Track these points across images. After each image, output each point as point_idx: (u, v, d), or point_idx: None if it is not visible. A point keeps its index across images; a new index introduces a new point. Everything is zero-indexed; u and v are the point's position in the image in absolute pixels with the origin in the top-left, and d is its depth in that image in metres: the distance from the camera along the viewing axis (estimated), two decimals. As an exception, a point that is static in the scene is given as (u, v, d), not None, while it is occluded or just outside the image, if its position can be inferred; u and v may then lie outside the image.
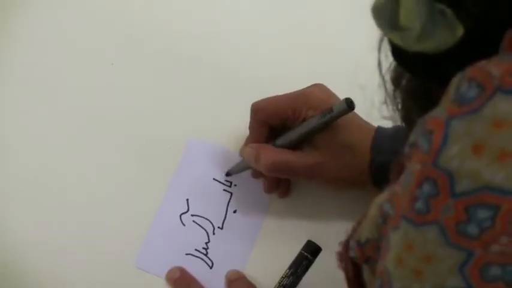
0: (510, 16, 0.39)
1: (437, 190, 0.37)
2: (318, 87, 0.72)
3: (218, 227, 0.75)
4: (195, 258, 0.74)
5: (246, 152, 0.73)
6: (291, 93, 0.72)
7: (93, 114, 0.78)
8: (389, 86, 0.49)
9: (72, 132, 0.78)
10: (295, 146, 0.72)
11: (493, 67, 0.37)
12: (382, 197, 0.44)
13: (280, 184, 0.75)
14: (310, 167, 0.71)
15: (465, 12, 0.40)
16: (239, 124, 0.75)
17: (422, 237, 0.38)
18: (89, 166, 0.77)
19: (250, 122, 0.73)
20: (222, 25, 0.82)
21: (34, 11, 0.81)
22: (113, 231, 0.75)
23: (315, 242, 0.72)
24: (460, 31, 0.40)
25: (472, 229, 0.37)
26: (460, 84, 0.38)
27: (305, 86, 0.73)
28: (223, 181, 0.76)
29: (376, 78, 0.50)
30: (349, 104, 0.67)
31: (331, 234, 0.71)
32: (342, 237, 0.52)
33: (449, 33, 0.40)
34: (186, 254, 0.74)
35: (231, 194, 0.76)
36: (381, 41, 0.46)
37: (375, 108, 0.52)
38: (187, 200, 0.76)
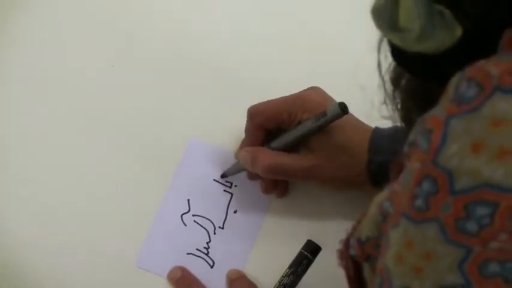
0: (508, 16, 0.40)
1: (437, 188, 0.38)
2: (314, 90, 0.73)
3: (219, 227, 0.75)
4: (196, 257, 0.75)
5: (242, 156, 0.73)
6: (287, 97, 0.73)
7: (93, 115, 0.78)
8: (389, 87, 0.50)
9: (73, 132, 0.78)
10: (290, 148, 0.73)
11: (491, 67, 0.37)
12: (382, 196, 0.44)
13: (278, 185, 0.76)
14: (306, 169, 0.71)
15: (464, 13, 0.40)
16: (239, 125, 0.75)
17: (422, 235, 0.39)
18: (89, 166, 0.77)
19: (247, 126, 0.74)
20: (222, 26, 0.82)
21: (34, 11, 0.81)
22: (114, 231, 0.75)
23: (315, 241, 0.73)
24: (458, 32, 0.40)
25: (471, 226, 0.37)
26: (459, 83, 0.38)
27: (305, 87, 0.73)
28: (223, 182, 0.77)
29: (375, 79, 0.51)
30: (343, 108, 0.68)
31: (331, 234, 0.71)
32: (342, 237, 0.52)
33: (448, 34, 0.40)
34: (187, 254, 0.75)
35: (232, 194, 0.76)
36: (380, 41, 0.47)
37: (375, 108, 0.52)
38: (188, 200, 0.76)
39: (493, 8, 0.40)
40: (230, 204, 0.76)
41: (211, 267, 0.74)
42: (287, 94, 0.73)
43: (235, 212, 0.76)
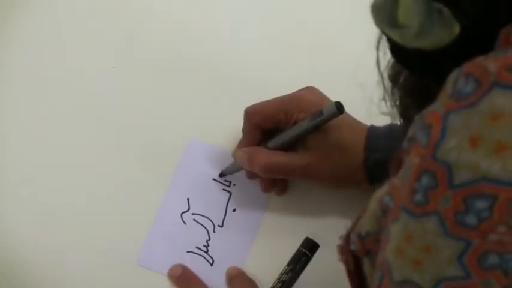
0: (505, 14, 0.40)
1: (436, 182, 0.38)
2: (310, 90, 0.73)
3: (218, 225, 0.76)
4: (196, 255, 0.75)
5: (239, 156, 0.74)
6: (283, 97, 0.73)
7: (93, 115, 0.78)
8: (388, 83, 0.50)
9: (73, 132, 0.78)
10: (287, 147, 0.73)
11: (489, 63, 0.38)
12: (382, 191, 0.44)
13: (276, 183, 0.76)
14: (303, 167, 0.72)
15: (462, 11, 0.41)
16: (239, 125, 0.75)
17: (421, 228, 0.39)
18: (90, 166, 0.77)
19: (244, 126, 0.74)
20: (221, 26, 0.82)
21: (34, 11, 0.81)
22: (115, 230, 0.75)
23: (313, 238, 0.73)
24: (456, 29, 0.41)
25: (471, 219, 0.38)
26: (457, 79, 0.39)
27: (305, 86, 0.74)
28: (222, 181, 0.77)
29: (374, 77, 0.51)
30: (339, 107, 0.68)
31: (329, 231, 0.72)
32: (340, 234, 0.52)
33: (447, 31, 0.41)
34: (188, 252, 0.75)
35: (231, 193, 0.77)
36: (379, 39, 0.47)
37: (374, 104, 0.53)
38: (188, 199, 0.76)
39: (491, 6, 0.41)
40: (229, 203, 0.77)
41: (211, 264, 0.75)
42: (287, 94, 0.73)
43: (234, 210, 0.76)
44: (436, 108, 0.39)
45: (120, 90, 0.79)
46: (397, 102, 0.51)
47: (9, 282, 0.75)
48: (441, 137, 0.38)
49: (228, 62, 0.80)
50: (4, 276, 0.75)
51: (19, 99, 0.79)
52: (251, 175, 0.76)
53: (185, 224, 0.76)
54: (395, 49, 0.45)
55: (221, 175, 0.77)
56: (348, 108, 0.69)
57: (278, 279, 0.72)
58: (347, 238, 0.50)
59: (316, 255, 0.73)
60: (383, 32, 0.44)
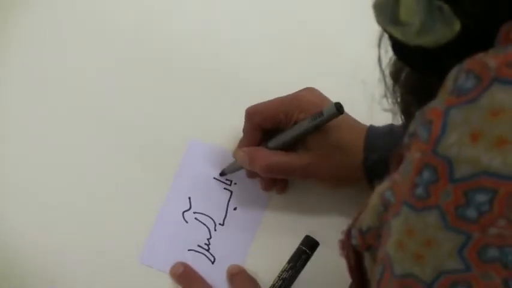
0: (506, 12, 0.41)
1: (437, 176, 0.38)
2: (310, 90, 0.74)
3: (219, 224, 0.76)
4: (198, 253, 0.75)
5: (239, 156, 0.74)
6: (283, 97, 0.73)
7: (93, 115, 0.78)
8: (389, 81, 0.51)
9: (73, 132, 0.78)
10: (287, 147, 0.73)
11: (489, 59, 0.38)
12: (383, 186, 0.44)
13: (276, 182, 0.77)
14: (303, 167, 0.72)
15: (462, 9, 0.41)
16: (239, 125, 0.75)
17: (422, 222, 0.40)
18: (90, 166, 0.77)
19: (245, 126, 0.75)
20: (221, 26, 0.82)
21: (34, 11, 0.81)
22: (116, 229, 0.76)
23: (313, 236, 0.73)
24: (457, 26, 0.41)
25: (471, 213, 0.38)
26: (457, 76, 0.39)
27: (305, 86, 0.74)
28: (223, 180, 0.78)
29: (375, 75, 0.52)
30: (339, 108, 0.69)
31: (329, 229, 0.73)
32: (339, 232, 0.53)
33: (447, 28, 0.41)
34: (189, 250, 0.75)
35: (231, 192, 0.77)
36: (380, 37, 0.48)
37: (376, 101, 0.53)
38: (189, 198, 0.77)
39: (491, 4, 0.41)
40: (230, 202, 0.77)
41: (212, 262, 0.75)
42: (287, 94, 0.74)
43: (235, 209, 0.77)
44: (437, 104, 0.40)
45: (120, 90, 0.79)
46: (399, 100, 0.52)
47: (9, 282, 0.75)
48: (442, 132, 0.38)
49: (228, 62, 0.80)
50: (4, 276, 0.75)
51: (19, 99, 0.79)
52: (251, 174, 0.76)
53: (187, 222, 0.76)
54: (397, 46, 0.45)
55: (221, 174, 0.78)
56: (348, 107, 0.70)
57: (278, 276, 0.73)
58: (348, 233, 0.50)
59: (316, 253, 0.73)
60: (385, 30, 0.44)
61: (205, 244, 0.76)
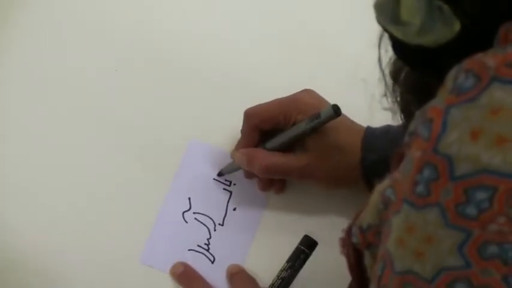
0: (505, 13, 0.41)
1: (438, 174, 0.39)
2: (308, 92, 0.74)
3: (219, 224, 0.77)
4: (198, 253, 0.76)
5: (237, 157, 0.75)
6: (282, 99, 0.74)
7: (93, 115, 0.78)
8: (389, 80, 0.51)
9: (73, 132, 0.78)
10: (285, 148, 0.74)
11: (488, 59, 0.39)
12: (384, 184, 0.45)
13: (274, 182, 0.77)
14: (300, 168, 0.73)
15: (462, 9, 0.41)
16: (239, 125, 0.75)
17: (423, 219, 0.40)
18: (90, 166, 0.77)
19: (243, 127, 0.75)
20: (221, 26, 0.82)
21: (32, 11, 0.81)
22: (118, 229, 0.76)
23: (312, 236, 0.74)
24: (457, 26, 0.42)
25: (471, 210, 0.38)
26: (457, 75, 0.39)
27: (305, 87, 0.74)
28: (223, 180, 0.78)
29: (375, 75, 0.52)
30: (336, 110, 0.69)
31: (327, 229, 0.73)
32: (337, 232, 0.53)
33: (447, 28, 0.42)
34: (189, 250, 0.76)
35: (231, 192, 0.78)
36: (380, 37, 0.48)
37: (376, 101, 0.54)
38: (189, 198, 0.77)
39: (490, 5, 0.41)
40: (229, 202, 0.77)
41: (212, 262, 0.76)
42: (287, 94, 0.74)
43: (234, 209, 0.77)
44: (437, 103, 0.40)
45: (120, 90, 0.79)
46: (398, 99, 0.52)
47: (9, 282, 0.75)
48: (442, 130, 0.39)
49: (228, 62, 0.80)
50: (4, 276, 0.75)
51: (19, 99, 0.79)
52: (249, 174, 0.76)
53: (186, 222, 0.77)
54: (397, 46, 0.46)
55: (219, 174, 0.78)
56: (349, 106, 0.70)
57: (277, 276, 0.73)
58: (349, 231, 0.50)
59: (314, 252, 0.73)
60: (385, 30, 0.45)
61: (205, 244, 0.76)
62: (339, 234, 0.53)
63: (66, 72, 0.80)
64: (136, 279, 0.75)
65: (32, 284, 0.75)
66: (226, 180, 0.78)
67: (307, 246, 0.74)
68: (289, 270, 0.73)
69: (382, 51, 0.48)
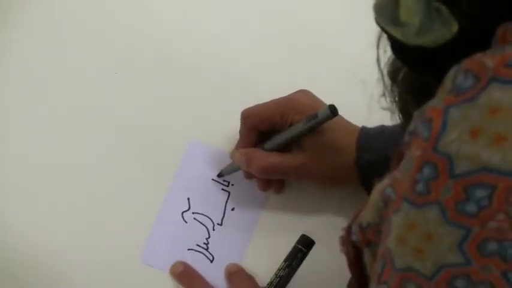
0: (503, 13, 0.41)
1: (437, 173, 0.39)
2: (304, 93, 0.75)
3: (217, 224, 0.77)
4: (197, 253, 0.76)
5: (237, 157, 0.75)
6: (278, 100, 0.74)
7: (93, 115, 0.79)
8: (388, 80, 0.52)
9: (73, 132, 0.78)
10: (283, 148, 0.74)
11: (487, 59, 0.39)
12: (384, 183, 0.45)
13: (273, 182, 0.77)
14: (297, 167, 0.73)
15: (460, 10, 0.42)
16: (238, 126, 0.75)
17: (423, 217, 0.40)
18: (90, 166, 0.77)
19: (241, 128, 0.75)
20: (221, 26, 0.82)
21: (32, 11, 0.81)
22: (118, 229, 0.76)
23: (309, 235, 0.74)
24: (455, 27, 0.42)
25: (471, 207, 0.39)
26: (456, 75, 0.40)
27: (305, 87, 0.75)
28: (221, 181, 0.78)
29: (374, 75, 0.52)
30: (332, 111, 0.69)
31: (324, 228, 0.73)
32: (334, 231, 0.53)
33: (446, 29, 0.42)
34: (188, 249, 0.76)
35: (229, 193, 0.78)
36: (379, 37, 0.49)
37: (374, 100, 0.54)
38: (188, 198, 0.77)
39: (488, 6, 0.42)
40: (228, 202, 0.78)
41: (211, 261, 0.76)
42: (287, 94, 0.74)
43: (232, 209, 0.78)
44: (436, 103, 0.40)
45: (120, 90, 0.79)
46: (396, 99, 0.52)
47: (9, 282, 0.75)
48: (442, 130, 0.39)
49: (228, 62, 0.80)
50: (4, 276, 0.75)
51: (19, 99, 0.79)
52: (248, 175, 0.77)
53: (186, 222, 0.77)
54: (397, 46, 0.46)
55: (219, 175, 0.78)
56: (348, 106, 0.70)
57: (275, 274, 0.74)
58: (349, 229, 0.50)
59: (311, 251, 0.74)
60: (384, 30, 0.45)
61: (204, 244, 0.76)
62: (336, 233, 0.53)
63: (66, 72, 0.80)
64: (137, 278, 0.75)
65: (32, 284, 0.75)
66: (224, 180, 0.78)
67: (305, 245, 0.74)
68: (286, 269, 0.73)
69: (381, 51, 0.49)
